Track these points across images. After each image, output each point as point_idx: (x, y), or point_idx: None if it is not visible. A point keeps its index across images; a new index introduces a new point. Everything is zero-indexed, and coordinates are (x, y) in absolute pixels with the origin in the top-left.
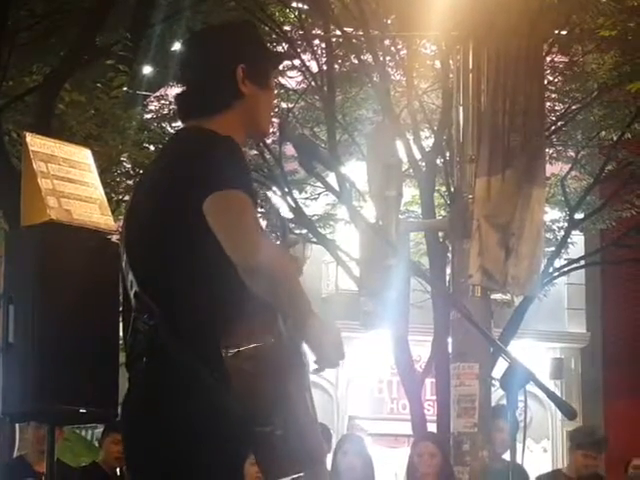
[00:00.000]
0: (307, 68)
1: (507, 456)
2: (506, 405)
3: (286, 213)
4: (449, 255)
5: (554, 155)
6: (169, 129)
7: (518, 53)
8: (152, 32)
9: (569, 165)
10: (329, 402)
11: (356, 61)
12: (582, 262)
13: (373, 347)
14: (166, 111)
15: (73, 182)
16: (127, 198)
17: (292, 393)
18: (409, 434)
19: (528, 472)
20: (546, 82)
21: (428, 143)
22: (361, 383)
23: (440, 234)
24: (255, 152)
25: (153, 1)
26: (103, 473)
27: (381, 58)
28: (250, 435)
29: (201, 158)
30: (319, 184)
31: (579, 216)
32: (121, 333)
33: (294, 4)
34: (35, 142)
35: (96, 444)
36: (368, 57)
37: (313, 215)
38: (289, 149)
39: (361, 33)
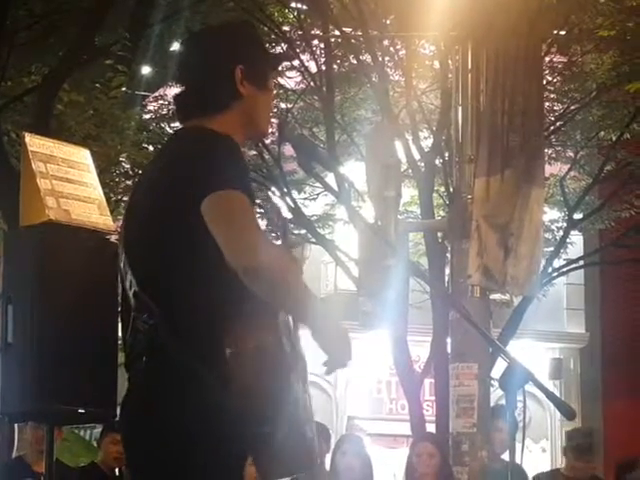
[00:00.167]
0: (306, 68)
1: (506, 456)
2: (505, 405)
3: (285, 213)
4: (448, 255)
5: (553, 155)
6: (168, 129)
7: (517, 53)
8: (151, 32)
9: (568, 165)
10: (328, 402)
11: (355, 61)
12: (581, 262)
13: (372, 347)
14: (165, 111)
15: (72, 182)
16: (126, 198)
17: (290, 393)
18: (408, 434)
19: (527, 472)
20: (545, 82)
21: (427, 143)
22: (360, 383)
23: (439, 234)
24: (254, 152)
25: (152, 1)
26: (102, 473)
27: (380, 58)
28: (249, 435)
29: (201, 158)
30: (318, 184)
31: (578, 216)
32: (120, 333)
33: (293, 4)
34: (34, 142)
35: (95, 444)
36: (367, 57)
37: (312, 215)
38: (288, 149)
39: (360, 33)
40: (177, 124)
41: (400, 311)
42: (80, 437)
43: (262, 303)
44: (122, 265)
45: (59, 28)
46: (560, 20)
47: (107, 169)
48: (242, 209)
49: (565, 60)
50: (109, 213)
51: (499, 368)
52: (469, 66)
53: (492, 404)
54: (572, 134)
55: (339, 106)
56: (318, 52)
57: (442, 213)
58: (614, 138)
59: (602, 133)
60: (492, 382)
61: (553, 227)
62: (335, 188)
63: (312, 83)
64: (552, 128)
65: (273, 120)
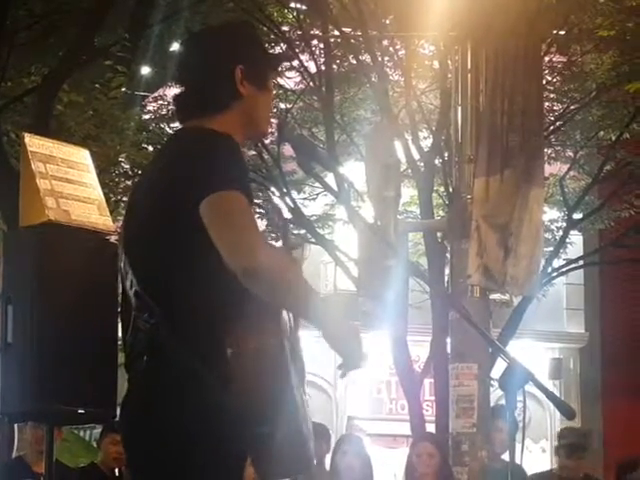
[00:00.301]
0: (305, 68)
1: (506, 456)
2: (505, 405)
3: (285, 213)
4: (448, 255)
5: (553, 155)
6: (168, 129)
7: (516, 53)
8: (151, 32)
9: (568, 165)
10: (328, 402)
11: (354, 61)
12: (581, 262)
13: (372, 347)
14: (164, 112)
15: (71, 182)
16: (125, 199)
17: (290, 394)
18: (408, 434)
19: (527, 472)
20: (544, 82)
21: (427, 143)
22: (360, 383)
23: (439, 234)
24: (253, 152)
25: (152, 1)
26: (101, 474)
27: (379, 58)
28: (248, 435)
29: (201, 158)
30: (318, 184)
31: (578, 216)
32: (120, 333)
33: (292, 4)
34: (34, 143)
35: (94, 445)
36: (366, 57)
37: (312, 215)
38: (287, 149)
39: (359, 33)
40: (177, 124)
41: (400, 311)
42: (80, 437)
43: (263, 303)
44: (122, 265)
45: (59, 28)
46: (560, 20)
47: (107, 169)
48: (241, 211)
49: (565, 60)
50: (109, 213)
51: (499, 368)
52: (468, 66)
53: (492, 404)
54: (572, 134)
55: (338, 106)
56: (317, 52)
57: (442, 213)
58: (614, 138)
59: (602, 133)
60: (492, 382)
61: (553, 227)
62: (335, 188)
63: (311, 83)
64: (552, 128)
65: (273, 120)
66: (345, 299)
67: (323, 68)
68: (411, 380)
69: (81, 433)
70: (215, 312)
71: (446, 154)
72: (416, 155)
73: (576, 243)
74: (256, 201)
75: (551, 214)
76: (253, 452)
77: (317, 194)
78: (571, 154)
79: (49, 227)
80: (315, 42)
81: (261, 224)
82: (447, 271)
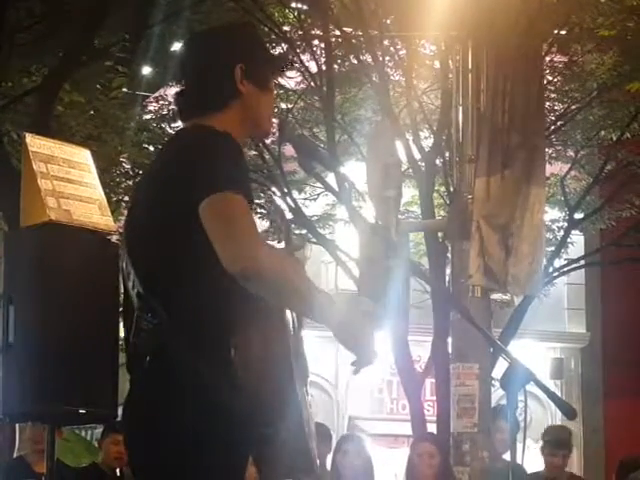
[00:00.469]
0: (306, 68)
1: (508, 456)
2: (506, 405)
3: (285, 214)
4: (449, 255)
5: (554, 155)
6: (168, 130)
7: (517, 53)
8: (151, 33)
9: (569, 165)
10: (329, 402)
11: (355, 61)
12: (582, 262)
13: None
14: (165, 112)
15: (73, 183)
16: (127, 198)
17: (293, 395)
18: (409, 434)
19: (528, 472)
20: (545, 82)
21: (427, 143)
22: (361, 383)
23: (440, 234)
24: (254, 152)
25: (152, 1)
26: (102, 474)
27: (380, 58)
28: (251, 436)
29: (201, 157)
30: (318, 184)
31: (579, 216)
32: (121, 334)
33: (293, 4)
34: (35, 143)
35: (95, 445)
36: (367, 57)
37: (312, 215)
38: (288, 149)
39: (360, 33)
40: (178, 124)
41: (401, 311)
42: (81, 437)
43: (266, 304)
44: (125, 265)
45: (59, 29)
46: (560, 20)
47: (108, 169)
48: (239, 213)
49: (566, 60)
50: (110, 213)
51: (500, 368)
52: (469, 66)
53: (493, 404)
54: (573, 134)
55: (339, 106)
56: (318, 52)
57: (443, 213)
58: (615, 138)
59: (603, 133)
60: (493, 382)
61: (554, 227)
62: (335, 188)
63: (312, 83)
64: (553, 128)
65: (274, 120)
66: (350, 298)
67: (324, 68)
68: (412, 380)
69: (82, 433)
70: (218, 312)
71: (447, 154)
72: (417, 155)
73: (577, 243)
74: (257, 201)
75: (552, 214)
76: (256, 452)
77: (318, 194)
78: (572, 154)
79: (50, 227)
80: (316, 42)
81: (263, 224)
82: (448, 271)
